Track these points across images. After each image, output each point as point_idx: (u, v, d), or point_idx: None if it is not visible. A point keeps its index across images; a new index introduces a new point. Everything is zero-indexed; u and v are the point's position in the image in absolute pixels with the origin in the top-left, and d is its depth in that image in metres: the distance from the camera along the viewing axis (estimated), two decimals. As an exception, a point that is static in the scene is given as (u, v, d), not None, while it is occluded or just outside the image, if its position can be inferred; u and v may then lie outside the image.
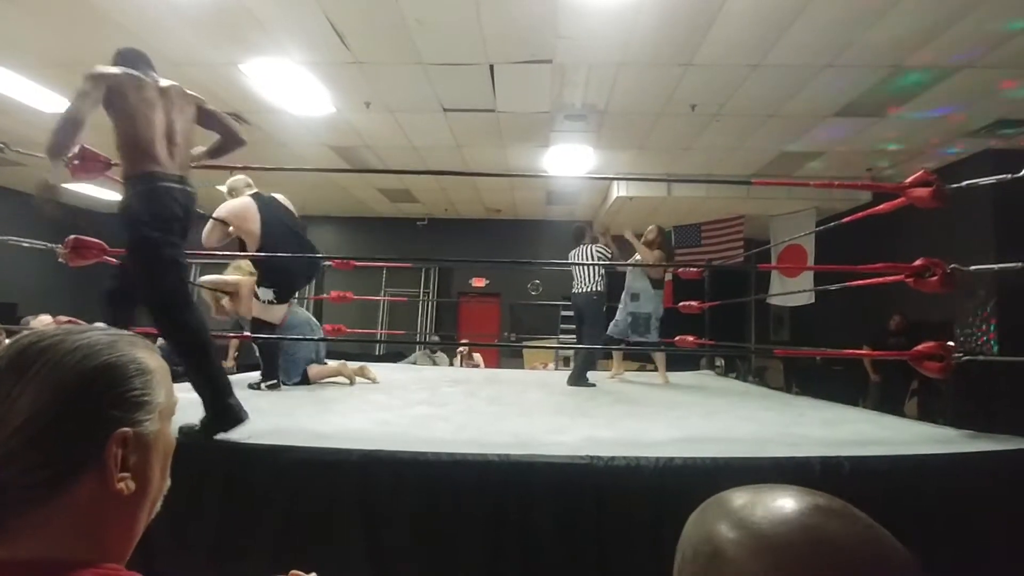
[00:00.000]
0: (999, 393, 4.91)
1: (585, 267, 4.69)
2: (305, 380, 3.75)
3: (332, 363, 4.08)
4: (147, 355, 0.64)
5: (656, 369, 5.25)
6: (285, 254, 3.38)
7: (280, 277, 3.57)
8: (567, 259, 4.98)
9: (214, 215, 3.45)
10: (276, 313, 3.70)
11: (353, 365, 4.10)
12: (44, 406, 0.55)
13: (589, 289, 4.68)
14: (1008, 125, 5.77)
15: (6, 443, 0.54)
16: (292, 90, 5.50)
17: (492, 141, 6.87)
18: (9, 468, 0.54)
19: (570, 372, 4.59)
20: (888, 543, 0.41)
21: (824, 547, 0.40)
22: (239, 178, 3.67)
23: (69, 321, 2.61)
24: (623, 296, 5.10)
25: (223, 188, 3.71)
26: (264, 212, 3.48)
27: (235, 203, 3.52)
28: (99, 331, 0.63)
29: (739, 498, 0.46)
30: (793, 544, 0.40)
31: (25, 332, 0.61)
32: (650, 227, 5.20)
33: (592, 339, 4.72)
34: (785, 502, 0.44)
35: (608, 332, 4.98)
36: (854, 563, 0.39)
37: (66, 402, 0.57)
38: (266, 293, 3.60)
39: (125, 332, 0.65)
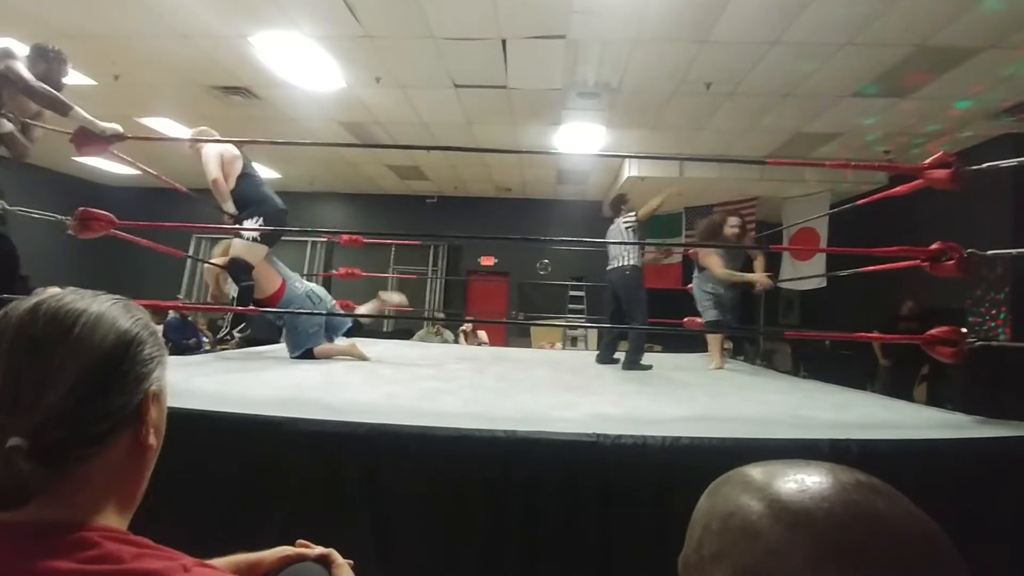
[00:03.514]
0: (1010, 379, 4.86)
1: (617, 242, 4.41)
2: (309, 354, 3.74)
3: (342, 342, 4.08)
4: (148, 317, 0.68)
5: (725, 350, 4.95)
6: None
7: (267, 208, 3.64)
8: (604, 235, 4.62)
9: (206, 152, 3.54)
10: (258, 253, 3.69)
11: (347, 342, 4.09)
12: (90, 369, 0.58)
13: (621, 264, 4.34)
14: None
15: (59, 404, 0.56)
16: (302, 64, 5.44)
17: (503, 118, 6.80)
18: (63, 429, 0.56)
19: (624, 357, 4.25)
20: (933, 522, 0.40)
21: (872, 523, 0.38)
22: (205, 128, 3.78)
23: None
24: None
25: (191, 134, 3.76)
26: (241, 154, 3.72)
27: (220, 147, 3.61)
28: (105, 295, 0.66)
29: (760, 473, 0.44)
30: (837, 518, 0.39)
31: (37, 297, 0.62)
32: (731, 219, 4.71)
33: (635, 319, 4.30)
34: (821, 477, 0.42)
35: (716, 318, 4.62)
36: (904, 540, 0.38)
37: (110, 364, 0.60)
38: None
39: (121, 297, 0.68)
